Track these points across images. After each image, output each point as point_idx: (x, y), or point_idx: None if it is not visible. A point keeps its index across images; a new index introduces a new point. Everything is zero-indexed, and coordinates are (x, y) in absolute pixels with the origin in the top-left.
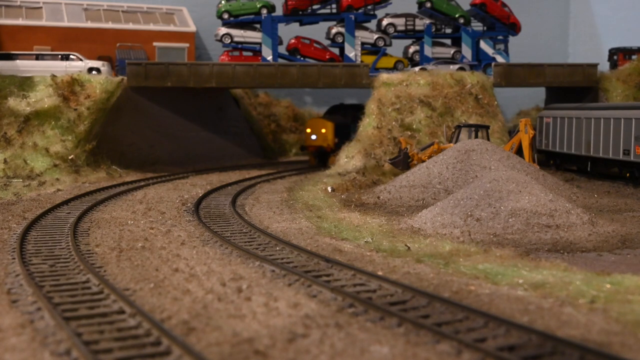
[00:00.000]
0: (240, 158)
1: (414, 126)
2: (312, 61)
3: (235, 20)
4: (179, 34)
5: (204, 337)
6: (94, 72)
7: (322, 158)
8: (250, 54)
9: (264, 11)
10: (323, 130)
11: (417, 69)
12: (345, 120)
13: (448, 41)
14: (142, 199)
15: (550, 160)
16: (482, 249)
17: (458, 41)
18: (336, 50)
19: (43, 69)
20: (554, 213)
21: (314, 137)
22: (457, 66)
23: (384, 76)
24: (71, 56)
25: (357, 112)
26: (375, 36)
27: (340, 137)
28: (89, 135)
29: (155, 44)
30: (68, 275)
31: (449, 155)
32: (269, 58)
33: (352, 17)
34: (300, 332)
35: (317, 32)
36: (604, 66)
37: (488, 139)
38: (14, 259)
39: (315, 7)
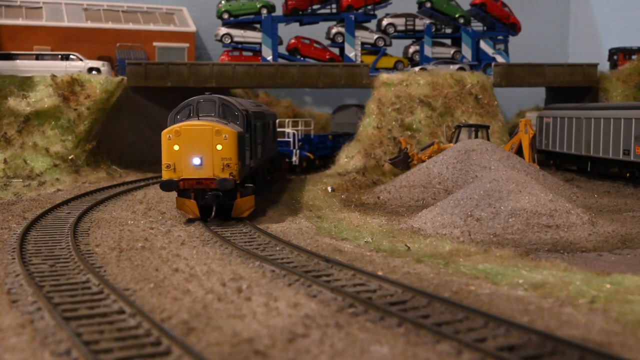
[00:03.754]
0: None
1: (414, 126)
2: (312, 61)
3: (235, 20)
4: (179, 34)
5: (204, 337)
6: (94, 72)
7: (221, 202)
8: (250, 54)
9: (264, 11)
10: (219, 147)
11: (417, 69)
12: (240, 129)
13: (448, 41)
14: (142, 199)
15: (550, 160)
16: (482, 249)
17: (458, 41)
18: (336, 50)
19: (43, 69)
20: (554, 213)
21: (196, 161)
22: (457, 66)
23: (384, 76)
24: (71, 56)
25: (253, 116)
26: (375, 36)
27: (242, 159)
28: (89, 135)
29: (155, 44)
30: (68, 275)
31: (449, 155)
32: (269, 58)
33: (352, 17)
34: (300, 332)
35: (317, 32)
36: (604, 66)
37: (488, 139)
38: (14, 259)
39: (315, 7)
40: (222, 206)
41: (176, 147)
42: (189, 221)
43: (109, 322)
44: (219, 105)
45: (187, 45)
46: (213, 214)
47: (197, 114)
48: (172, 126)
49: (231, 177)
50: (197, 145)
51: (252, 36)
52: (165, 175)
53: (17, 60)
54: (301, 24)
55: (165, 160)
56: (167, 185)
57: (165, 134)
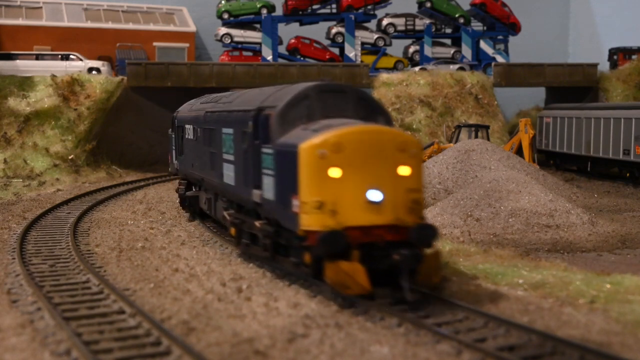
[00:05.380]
0: None
1: (414, 126)
2: (312, 61)
3: (235, 20)
4: (179, 34)
5: (204, 337)
6: (94, 72)
7: (415, 267)
8: (250, 54)
9: (264, 11)
10: (404, 171)
11: (417, 69)
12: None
13: (448, 41)
14: (142, 199)
15: (550, 160)
16: (482, 249)
17: (458, 41)
18: (336, 50)
19: (43, 69)
20: (554, 213)
21: (375, 196)
22: (457, 66)
23: (384, 76)
24: (71, 56)
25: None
26: (375, 36)
27: None
28: (89, 135)
29: (155, 44)
30: (68, 276)
31: (449, 155)
32: (269, 58)
33: (352, 17)
34: (300, 332)
35: (317, 32)
36: (604, 66)
37: (488, 139)
38: (14, 259)
39: (315, 7)
40: (412, 272)
41: (335, 173)
42: (347, 301)
43: (109, 322)
44: (355, 100)
45: (187, 45)
46: (408, 287)
47: (324, 114)
48: (320, 135)
49: (420, 218)
50: (373, 169)
51: (252, 36)
52: (312, 221)
53: (17, 60)
54: (301, 24)
55: (311, 194)
56: (332, 242)
57: (312, 149)
